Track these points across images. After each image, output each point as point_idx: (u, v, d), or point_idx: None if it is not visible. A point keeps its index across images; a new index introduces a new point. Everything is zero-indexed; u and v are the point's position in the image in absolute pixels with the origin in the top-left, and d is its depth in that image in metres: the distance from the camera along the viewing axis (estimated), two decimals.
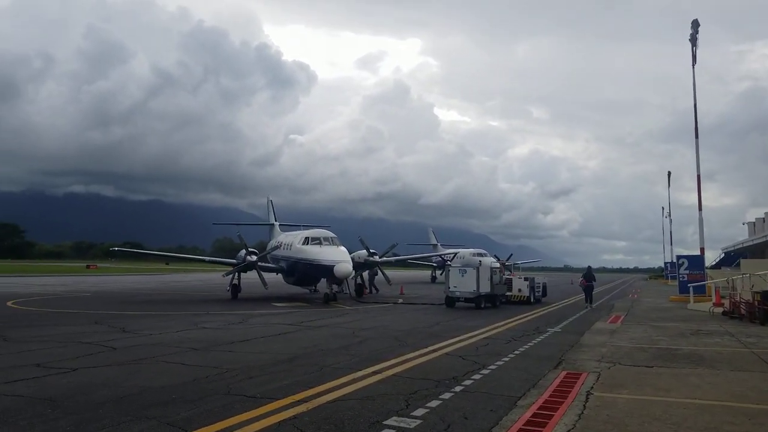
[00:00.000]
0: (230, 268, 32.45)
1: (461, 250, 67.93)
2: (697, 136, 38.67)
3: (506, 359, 12.54)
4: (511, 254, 70.34)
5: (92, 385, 9.03)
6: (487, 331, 17.82)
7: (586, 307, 28.31)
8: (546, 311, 26.60)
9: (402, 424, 7.13)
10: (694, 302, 29.70)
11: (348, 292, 32.06)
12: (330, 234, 30.65)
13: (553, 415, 7.91)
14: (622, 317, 23.79)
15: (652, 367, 11.84)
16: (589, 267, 32.49)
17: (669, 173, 77.71)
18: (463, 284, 27.43)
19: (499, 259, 67.23)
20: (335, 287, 29.07)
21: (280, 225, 41.19)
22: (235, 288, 32.50)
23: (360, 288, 35.36)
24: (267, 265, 34.68)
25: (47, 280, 55.68)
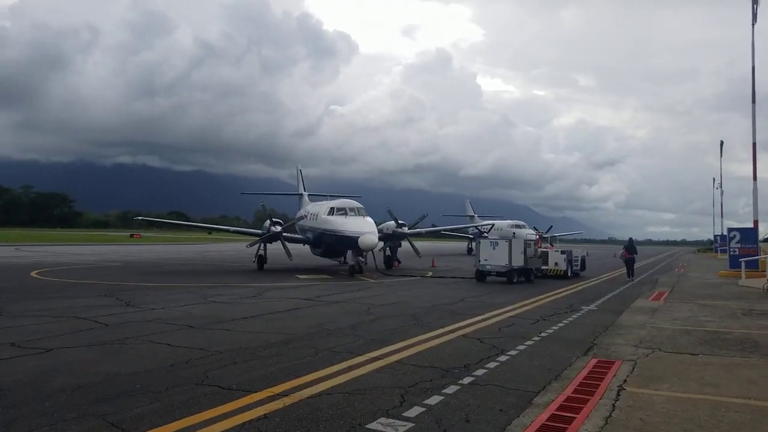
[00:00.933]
0: (255, 239, 31.71)
1: (498, 222, 66.11)
2: (754, 101, 35.67)
3: (530, 343, 11.23)
4: (551, 226, 68.15)
5: (56, 370, 8.17)
6: (514, 309, 16.49)
7: (628, 281, 27.00)
8: (583, 287, 25.00)
9: (387, 429, 5.98)
10: (746, 278, 27.53)
11: (375, 264, 31.01)
12: (356, 204, 29.51)
13: (575, 417, 6.63)
14: (666, 294, 22.05)
15: (698, 354, 10.35)
16: (631, 239, 30.95)
17: (721, 142, 73.66)
18: (494, 257, 26.00)
19: (538, 231, 65.31)
20: (361, 259, 28.02)
21: (309, 195, 40.24)
22: (261, 259, 31.85)
23: (389, 260, 34.25)
24: (292, 235, 33.88)
25: (87, 249, 56.64)
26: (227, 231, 37.88)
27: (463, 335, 11.98)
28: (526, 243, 27.18)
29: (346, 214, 28.55)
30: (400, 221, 32.84)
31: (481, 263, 26.39)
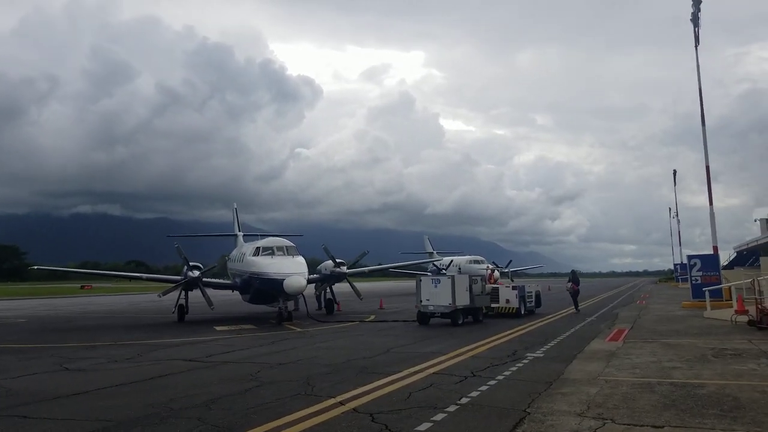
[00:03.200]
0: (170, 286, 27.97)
1: (456, 258, 63.62)
2: (703, 123, 34.15)
3: (439, 417, 8.23)
4: (510, 260, 66.03)
5: None
6: (444, 362, 13.50)
7: (576, 313, 27.66)
8: (535, 326, 22.21)
9: None
10: (711, 309, 25.20)
11: (306, 309, 27.67)
12: (285, 242, 26.39)
13: None
14: (626, 332, 19.41)
15: (663, 427, 7.51)
16: (573, 271, 31.33)
17: (674, 171, 73.72)
18: (436, 297, 23.09)
19: (497, 266, 63.02)
20: (289, 305, 24.73)
21: (244, 235, 36.89)
22: (182, 309, 28.22)
23: (330, 304, 30.95)
24: (217, 281, 30.42)
25: (17, 303, 51.70)
26: (140, 278, 34.16)
27: (353, 408, 8.90)
28: (472, 279, 24.40)
29: (272, 253, 25.38)
30: (338, 260, 29.71)
31: (422, 304, 23.45)
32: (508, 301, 27.11)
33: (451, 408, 8.80)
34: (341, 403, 9.26)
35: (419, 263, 61.20)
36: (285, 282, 22.91)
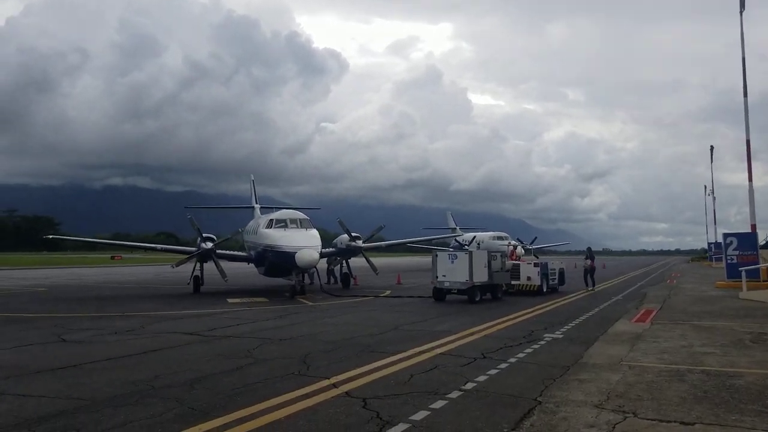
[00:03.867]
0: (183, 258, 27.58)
1: (479, 234, 62.33)
2: (745, 94, 32.18)
3: (439, 405, 7.40)
4: (535, 237, 64.51)
5: None
6: (454, 341, 12.65)
7: (591, 290, 27.49)
8: (557, 305, 21.21)
9: None
10: (748, 290, 23.79)
11: (319, 283, 27.10)
12: (299, 215, 25.67)
13: None
14: (654, 312, 18.29)
15: (694, 424, 6.55)
16: (589, 248, 30.85)
17: (711, 147, 70.42)
18: (453, 273, 22.17)
19: (522, 243, 61.60)
20: (303, 278, 24.07)
21: (261, 208, 36.32)
22: (197, 280, 27.88)
23: (346, 278, 30.28)
24: (232, 253, 29.94)
25: (49, 272, 52.37)
26: (154, 249, 33.91)
27: (346, 392, 8.12)
28: (491, 255, 23.39)
29: (285, 226, 24.71)
30: (353, 234, 28.93)
31: (438, 280, 22.56)
32: (529, 278, 26.06)
33: (454, 394, 7.95)
34: (334, 386, 8.50)
35: (440, 238, 60.07)
36: (297, 255, 22.24)
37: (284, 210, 27.29)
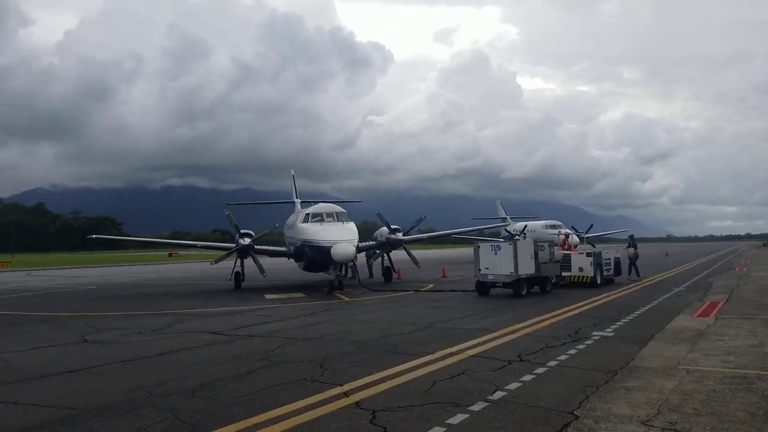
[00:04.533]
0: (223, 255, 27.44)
1: (530, 223, 60.21)
2: None
3: (459, 418, 6.47)
4: (591, 225, 61.81)
5: None
6: (490, 340, 11.63)
7: (636, 280, 26.24)
8: (611, 297, 19.74)
9: None
10: None
11: (357, 278, 26.41)
12: (335, 209, 25.00)
13: None
14: (720, 305, 16.67)
15: None
16: (631, 235, 30.47)
17: None
18: (497, 265, 20.99)
19: (577, 231, 59.19)
20: (340, 273, 23.38)
21: (301, 202, 35.92)
22: (238, 276, 27.70)
23: (388, 272, 29.46)
24: (272, 248, 29.57)
25: (105, 270, 53.93)
26: (195, 246, 34.04)
27: (356, 402, 7.28)
28: (538, 246, 22.04)
29: (321, 220, 24.09)
30: (393, 226, 28.04)
31: (481, 273, 21.43)
32: (581, 269, 24.52)
33: (477, 406, 6.99)
34: (345, 394, 7.67)
35: (487, 228, 58.24)
36: (332, 249, 21.57)
37: (321, 204, 26.70)
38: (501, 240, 52.64)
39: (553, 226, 56.46)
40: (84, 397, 7.82)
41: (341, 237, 22.27)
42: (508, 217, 69.32)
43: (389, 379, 8.47)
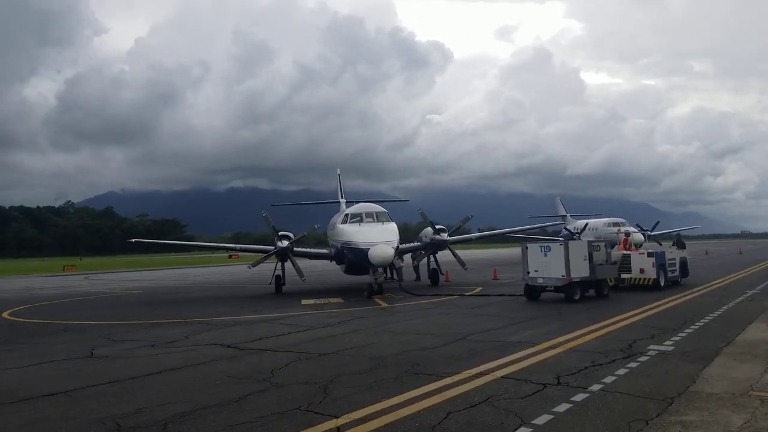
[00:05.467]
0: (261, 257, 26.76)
1: (592, 221, 57.33)
2: None
3: None
4: (657, 222, 58.29)
5: None
6: (528, 357, 10.19)
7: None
8: (675, 302, 17.77)
9: None
10: None
11: (398, 281, 25.17)
12: (375, 208, 23.88)
13: None
14: None
15: None
16: (678, 234, 29.74)
17: None
18: (546, 268, 19.32)
19: (642, 230, 55.84)
20: (380, 276, 22.19)
21: (346, 202, 34.99)
22: (278, 280, 27.02)
23: (435, 274, 28.06)
24: (310, 250, 28.76)
25: (160, 273, 54.64)
26: (233, 249, 33.68)
27: None
28: (592, 246, 20.20)
29: (360, 220, 23.03)
30: (438, 225, 26.60)
31: (530, 276, 19.81)
32: (642, 270, 22.42)
33: None
34: (338, 429, 6.50)
35: (548, 226, 55.57)
36: (370, 251, 20.46)
37: (361, 203, 25.63)
38: (560, 238, 50.12)
39: (616, 224, 53.37)
40: (42, 429, 6.97)
41: (380, 238, 21.12)
42: (568, 215, 66.38)
43: (396, 409, 7.24)
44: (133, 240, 34.91)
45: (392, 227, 22.77)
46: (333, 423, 6.75)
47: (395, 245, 21.71)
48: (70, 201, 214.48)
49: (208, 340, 13.50)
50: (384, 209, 24.16)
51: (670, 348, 10.61)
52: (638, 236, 44.62)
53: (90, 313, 20.64)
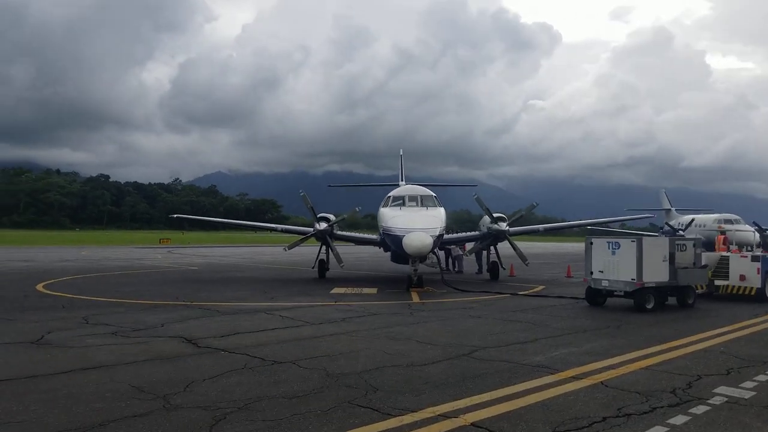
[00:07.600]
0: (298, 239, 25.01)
1: (699, 216, 50.88)
2: None
3: None
4: None
5: None
6: (539, 389, 7.44)
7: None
8: None
9: None
10: None
11: (441, 272, 22.42)
12: (420, 191, 21.34)
13: None
14: None
15: None
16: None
17: None
18: (614, 269, 15.95)
19: (762, 229, 48.87)
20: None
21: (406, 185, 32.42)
22: (322, 264, 25.21)
23: (494, 267, 25.02)
24: (355, 235, 26.66)
25: (242, 250, 54.71)
26: (275, 230, 32.24)
27: None
28: (676, 245, 16.49)
29: (402, 204, 20.59)
30: (496, 215, 23.44)
31: (593, 277, 16.51)
32: (743, 277, 18.28)
33: None
34: None
35: (639, 219, 49.82)
36: (404, 239, 18.00)
37: (406, 185, 23.17)
38: (656, 234, 44.80)
39: (730, 221, 46.71)
40: None
41: (419, 225, 18.59)
42: (673, 209, 59.78)
43: None
44: (175, 215, 34.64)
45: (436, 213, 20.15)
46: None
47: (437, 233, 19.06)
48: (178, 179, 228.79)
49: (179, 331, 11.66)
50: (431, 192, 21.57)
51: (747, 394, 7.41)
52: (743, 234, 38.31)
53: (114, 290, 19.70)
